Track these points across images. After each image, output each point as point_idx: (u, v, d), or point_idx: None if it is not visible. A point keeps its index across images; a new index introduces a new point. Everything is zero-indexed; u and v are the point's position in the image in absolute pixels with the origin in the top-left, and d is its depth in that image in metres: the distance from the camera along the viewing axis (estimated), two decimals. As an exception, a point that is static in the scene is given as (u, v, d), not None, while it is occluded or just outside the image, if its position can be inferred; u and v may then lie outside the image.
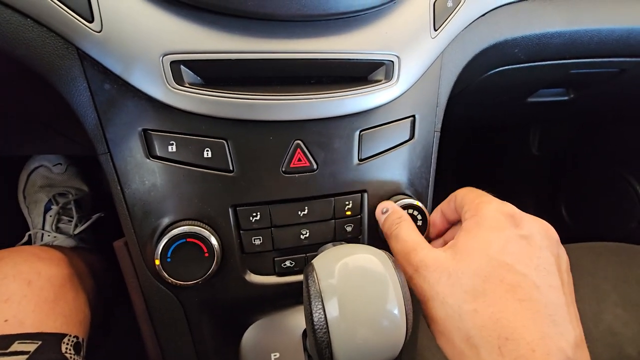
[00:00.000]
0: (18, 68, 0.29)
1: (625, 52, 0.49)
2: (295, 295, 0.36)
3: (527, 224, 0.26)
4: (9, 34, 0.27)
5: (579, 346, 0.23)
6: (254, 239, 0.33)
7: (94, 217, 0.71)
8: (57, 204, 0.69)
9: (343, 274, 0.24)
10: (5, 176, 0.72)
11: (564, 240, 0.64)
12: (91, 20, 0.27)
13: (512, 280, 0.23)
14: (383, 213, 0.33)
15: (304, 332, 0.30)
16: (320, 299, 0.23)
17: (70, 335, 0.37)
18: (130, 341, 0.49)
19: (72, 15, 0.27)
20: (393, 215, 0.32)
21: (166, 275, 0.30)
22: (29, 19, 0.27)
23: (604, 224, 0.91)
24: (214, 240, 0.31)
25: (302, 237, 0.34)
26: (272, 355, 0.37)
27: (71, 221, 0.69)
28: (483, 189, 0.31)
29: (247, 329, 0.37)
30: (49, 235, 0.66)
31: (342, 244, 0.29)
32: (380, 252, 0.26)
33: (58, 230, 0.68)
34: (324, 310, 0.23)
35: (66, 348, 0.36)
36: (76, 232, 0.68)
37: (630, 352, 0.50)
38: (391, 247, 0.30)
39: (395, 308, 0.23)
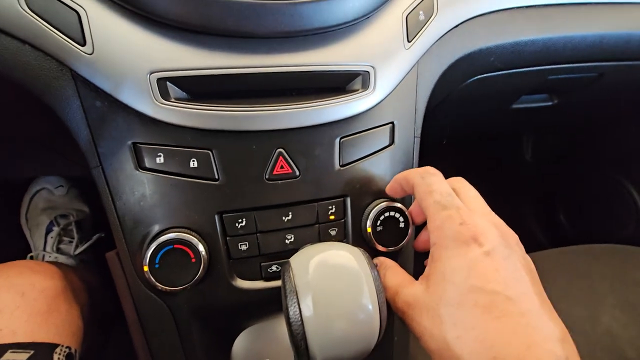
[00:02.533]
0: (15, 90, 0.31)
1: (601, 56, 0.51)
2: (284, 301, 0.37)
3: (488, 238, 0.26)
4: (7, 59, 0.29)
5: (565, 340, 0.23)
6: (240, 245, 0.34)
7: (94, 237, 0.72)
8: (59, 225, 0.70)
9: (317, 270, 0.25)
10: (8, 199, 0.74)
11: (563, 244, 0.63)
12: (83, 44, 0.30)
13: (485, 301, 0.24)
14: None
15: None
16: (295, 295, 0.24)
17: (62, 346, 0.37)
18: (126, 357, 0.49)
19: (66, 40, 0.29)
20: (379, 268, 0.32)
21: (154, 281, 0.31)
22: (26, 45, 0.29)
23: (602, 227, 0.90)
24: (201, 247, 0.32)
25: (287, 241, 0.35)
26: (264, 362, 0.37)
27: (72, 242, 0.70)
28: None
29: (237, 336, 0.38)
30: (50, 256, 0.67)
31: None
32: (355, 249, 0.27)
33: (59, 250, 0.69)
34: (299, 306, 0.23)
35: (58, 358, 0.36)
36: (77, 252, 0.69)
37: (631, 355, 0.49)
38: None
39: (369, 302, 0.24)
